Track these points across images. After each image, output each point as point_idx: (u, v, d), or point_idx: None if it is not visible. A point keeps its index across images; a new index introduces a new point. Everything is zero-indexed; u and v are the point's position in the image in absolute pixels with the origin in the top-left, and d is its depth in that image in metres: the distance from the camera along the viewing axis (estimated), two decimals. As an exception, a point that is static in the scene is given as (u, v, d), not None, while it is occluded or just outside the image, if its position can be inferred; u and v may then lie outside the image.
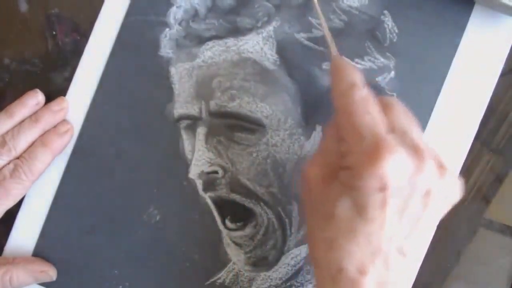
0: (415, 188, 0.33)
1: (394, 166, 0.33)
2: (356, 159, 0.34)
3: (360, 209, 0.33)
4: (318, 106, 0.44)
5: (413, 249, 0.35)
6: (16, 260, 0.43)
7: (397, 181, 0.33)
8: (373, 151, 0.33)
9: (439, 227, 0.42)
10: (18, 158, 0.43)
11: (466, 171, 0.43)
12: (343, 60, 0.38)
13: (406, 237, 0.34)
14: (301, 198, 0.38)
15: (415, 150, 0.34)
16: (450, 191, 0.35)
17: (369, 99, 0.35)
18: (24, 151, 0.43)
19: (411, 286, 0.38)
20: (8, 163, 0.43)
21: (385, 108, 0.36)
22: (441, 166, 0.34)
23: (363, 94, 0.35)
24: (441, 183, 0.34)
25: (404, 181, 0.33)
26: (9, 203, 0.43)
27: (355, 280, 0.33)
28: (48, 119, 0.44)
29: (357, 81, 0.36)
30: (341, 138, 0.36)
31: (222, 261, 0.44)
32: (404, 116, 0.36)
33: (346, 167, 0.34)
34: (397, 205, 0.33)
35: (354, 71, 0.36)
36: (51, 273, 0.44)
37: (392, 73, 0.43)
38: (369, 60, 0.43)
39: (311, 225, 0.37)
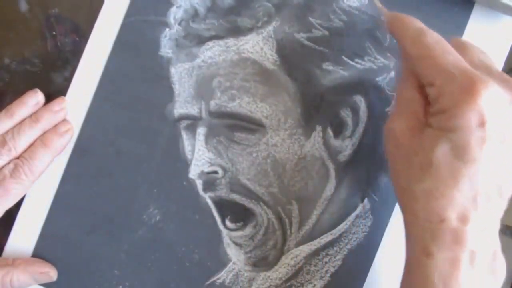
0: (510, 120, 0.33)
1: (492, 98, 0.32)
2: (450, 98, 0.33)
3: (460, 151, 0.33)
4: (318, 106, 0.44)
5: (509, 188, 0.34)
6: (16, 262, 0.43)
7: (496, 114, 0.33)
8: (468, 87, 0.33)
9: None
10: (18, 158, 0.43)
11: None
12: (397, 13, 0.38)
13: (503, 175, 0.34)
14: (386, 156, 0.37)
15: (506, 81, 0.34)
16: None
17: (443, 40, 0.35)
18: (24, 151, 0.43)
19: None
20: (8, 163, 0.43)
21: (459, 49, 0.36)
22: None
23: (435, 36, 0.35)
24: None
25: (501, 113, 0.33)
26: (9, 203, 0.43)
27: (458, 230, 0.33)
28: (48, 119, 0.44)
29: (423, 26, 0.36)
30: (428, 84, 0.35)
31: (222, 261, 0.44)
32: (481, 53, 0.36)
33: (440, 111, 0.34)
34: (496, 140, 0.33)
35: (415, 19, 0.36)
36: (51, 274, 0.44)
37: (392, 73, 0.43)
38: (369, 60, 0.43)
39: (406, 179, 0.36)
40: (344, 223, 0.44)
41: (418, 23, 0.36)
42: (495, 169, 0.33)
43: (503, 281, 0.35)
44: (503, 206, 0.35)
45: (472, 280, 0.34)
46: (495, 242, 0.35)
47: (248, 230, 0.44)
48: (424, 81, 0.36)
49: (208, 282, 0.44)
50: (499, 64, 0.43)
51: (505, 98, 0.33)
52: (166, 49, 0.44)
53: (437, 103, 0.34)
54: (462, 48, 0.36)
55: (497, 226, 0.35)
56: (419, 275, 0.35)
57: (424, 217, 0.35)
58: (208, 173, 0.44)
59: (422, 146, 0.35)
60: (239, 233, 0.44)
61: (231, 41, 0.44)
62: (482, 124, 0.32)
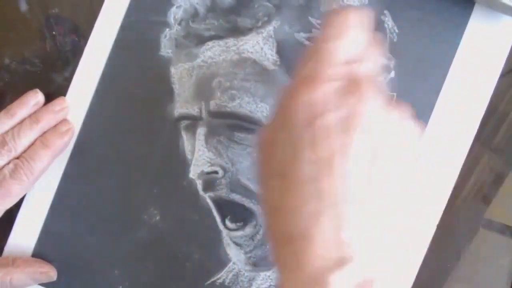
0: (351, 121, 0.29)
1: (323, 94, 0.29)
2: (288, 91, 0.31)
3: (295, 151, 0.29)
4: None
5: (374, 201, 0.29)
6: (16, 261, 0.43)
7: (326, 111, 0.29)
8: (304, 79, 0.30)
9: (439, 227, 0.42)
10: (18, 158, 0.43)
11: (466, 171, 0.43)
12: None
13: (363, 187, 0.29)
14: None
15: (353, 84, 0.30)
16: (402, 130, 0.30)
17: (343, 38, 0.31)
18: (24, 151, 0.43)
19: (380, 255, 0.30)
20: (8, 163, 0.43)
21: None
22: (389, 104, 0.30)
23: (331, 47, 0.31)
24: (385, 118, 0.30)
25: (334, 112, 0.29)
26: (9, 203, 0.43)
27: (301, 252, 0.28)
28: (48, 119, 0.44)
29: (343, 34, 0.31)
30: None
31: (222, 261, 0.44)
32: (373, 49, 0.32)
33: (282, 108, 0.31)
34: (334, 144, 0.28)
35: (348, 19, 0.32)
36: (51, 274, 0.44)
37: (392, 73, 0.43)
38: (369, 60, 0.43)
39: (262, 191, 0.32)
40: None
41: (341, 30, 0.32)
42: (341, 174, 0.28)
43: None
44: (372, 224, 0.29)
45: None
46: (365, 271, 0.28)
47: (248, 230, 0.44)
48: None
49: (208, 282, 0.44)
50: (499, 64, 0.43)
51: (339, 100, 0.29)
52: (166, 49, 0.44)
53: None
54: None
55: (370, 251, 0.29)
56: None
57: (272, 237, 0.31)
58: (208, 173, 0.44)
59: (271, 151, 0.31)
60: (239, 233, 0.44)
61: (231, 41, 0.44)
62: (312, 119, 0.29)
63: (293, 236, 0.28)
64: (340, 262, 0.28)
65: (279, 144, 0.30)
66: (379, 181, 0.29)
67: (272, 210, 0.31)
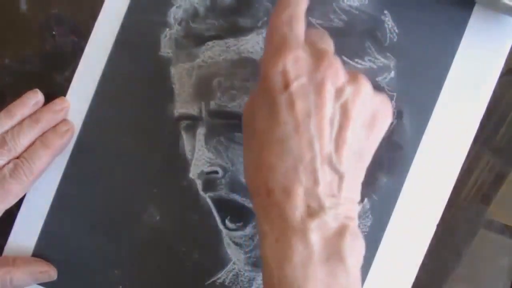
0: (321, 87, 0.33)
1: (294, 61, 0.33)
2: (264, 63, 0.34)
3: (272, 114, 0.33)
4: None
5: (345, 161, 0.33)
6: (16, 261, 0.43)
7: (298, 77, 0.33)
8: (276, 51, 0.34)
9: (439, 227, 0.42)
10: (18, 158, 0.43)
11: (466, 171, 0.43)
12: None
13: (334, 149, 0.33)
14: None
15: (319, 52, 0.34)
16: (367, 95, 0.34)
17: (296, 17, 0.35)
18: (24, 151, 0.43)
19: (353, 209, 0.34)
20: (8, 163, 0.43)
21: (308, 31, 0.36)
22: (353, 75, 0.34)
23: (291, 13, 0.35)
24: (353, 86, 0.34)
25: (305, 77, 0.33)
26: (9, 203, 0.43)
27: (282, 204, 0.32)
28: (48, 119, 0.44)
29: (294, 3, 0.36)
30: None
31: (222, 261, 0.44)
32: (320, 34, 0.37)
33: (261, 76, 0.34)
34: (306, 105, 0.32)
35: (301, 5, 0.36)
36: (51, 273, 0.44)
37: (392, 73, 0.43)
38: (369, 60, 0.43)
39: (244, 151, 0.36)
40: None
41: (298, 8, 0.36)
42: (314, 137, 0.32)
43: (359, 264, 0.33)
44: (351, 183, 0.33)
45: (309, 263, 0.32)
46: (340, 220, 0.33)
47: (248, 230, 0.44)
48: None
49: (208, 282, 0.44)
50: (499, 64, 0.43)
51: (309, 63, 0.33)
52: (166, 49, 0.44)
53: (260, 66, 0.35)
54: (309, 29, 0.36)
55: (343, 204, 0.33)
56: (261, 257, 0.33)
57: (254, 189, 0.34)
58: (208, 173, 0.44)
59: (252, 115, 0.35)
60: (239, 233, 0.44)
61: (231, 41, 0.44)
62: (286, 85, 0.33)
63: (273, 189, 0.32)
64: (317, 212, 0.32)
65: (259, 109, 0.34)
66: (347, 146, 0.33)
67: (253, 167, 0.34)
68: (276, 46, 0.34)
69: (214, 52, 0.44)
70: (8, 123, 0.43)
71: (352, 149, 0.33)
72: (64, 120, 0.45)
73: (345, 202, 0.33)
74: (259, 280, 0.44)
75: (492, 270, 0.45)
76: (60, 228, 0.45)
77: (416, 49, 0.43)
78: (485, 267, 0.45)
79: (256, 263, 0.44)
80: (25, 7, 0.46)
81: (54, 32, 0.46)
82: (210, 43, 0.44)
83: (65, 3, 0.46)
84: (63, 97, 0.45)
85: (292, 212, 0.32)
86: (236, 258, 0.44)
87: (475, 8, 0.42)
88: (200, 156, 0.44)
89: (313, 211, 0.32)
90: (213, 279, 0.44)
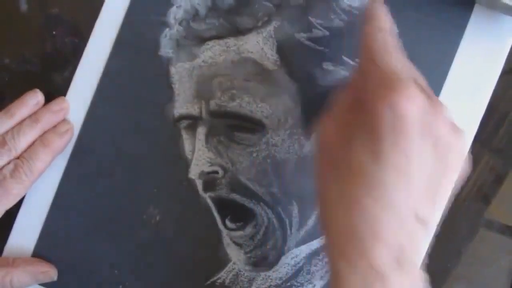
0: (432, 136, 0.30)
1: (410, 100, 0.30)
2: (371, 90, 0.31)
3: (374, 151, 0.30)
4: (318, 106, 0.43)
5: (432, 214, 0.31)
6: (16, 261, 0.43)
7: (412, 119, 0.30)
8: (389, 83, 0.31)
9: (439, 227, 0.42)
10: (18, 158, 0.43)
11: (466, 171, 0.43)
12: (377, 5, 0.36)
13: (428, 202, 0.31)
14: (314, 164, 0.34)
15: (431, 95, 0.31)
16: (461, 153, 0.32)
17: (393, 42, 0.34)
18: (24, 151, 0.43)
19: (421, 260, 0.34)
20: (8, 163, 0.43)
21: None
22: (454, 124, 0.32)
23: (385, 36, 0.34)
24: (455, 143, 0.31)
25: (418, 122, 0.30)
26: (9, 203, 0.43)
27: (367, 248, 0.30)
28: (48, 119, 0.44)
29: (384, 26, 0.34)
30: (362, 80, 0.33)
31: (222, 261, 0.44)
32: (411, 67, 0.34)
33: (359, 107, 0.32)
34: (414, 152, 0.30)
35: (385, 18, 0.35)
36: (51, 274, 0.44)
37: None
38: (369, 60, 0.43)
39: (328, 184, 0.33)
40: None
41: (383, 23, 0.35)
42: (413, 186, 0.30)
43: None
44: (429, 234, 0.32)
45: None
46: (415, 272, 0.32)
47: (248, 230, 0.44)
48: (361, 76, 0.34)
49: (208, 282, 0.44)
50: (499, 64, 0.43)
51: (424, 103, 0.31)
52: (166, 49, 0.44)
53: (361, 94, 0.32)
54: None
55: (419, 255, 0.33)
56: None
57: (332, 231, 0.32)
58: (208, 173, 0.44)
59: (342, 145, 0.32)
60: (239, 233, 0.44)
61: (231, 41, 0.44)
62: (397, 125, 0.30)
63: (361, 232, 0.30)
64: (401, 263, 0.30)
65: (355, 140, 0.31)
66: (437, 199, 0.32)
67: (336, 201, 0.32)
68: (386, 78, 0.31)
69: (214, 52, 0.44)
70: (8, 123, 0.43)
71: (441, 202, 0.32)
72: (64, 120, 0.45)
73: (421, 253, 0.33)
74: (259, 280, 0.44)
75: (492, 270, 0.45)
76: (60, 228, 0.45)
77: (416, 49, 0.43)
78: (485, 267, 0.45)
79: (256, 263, 0.44)
80: (25, 7, 0.46)
81: (54, 32, 0.46)
82: (210, 43, 0.44)
83: (65, 3, 0.46)
84: (63, 97, 0.45)
85: (376, 258, 0.30)
86: (236, 258, 0.44)
87: (475, 8, 0.42)
88: (200, 156, 0.44)
89: (398, 261, 0.30)
90: (213, 279, 0.44)
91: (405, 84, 0.30)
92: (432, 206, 0.31)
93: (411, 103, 0.30)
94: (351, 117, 0.33)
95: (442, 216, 0.43)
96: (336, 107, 0.35)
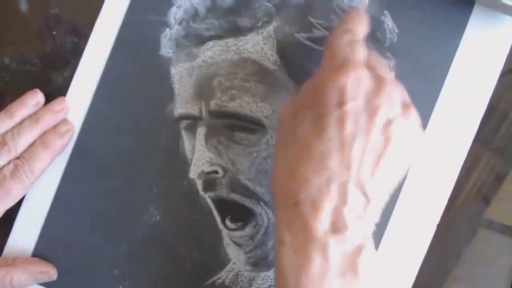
0: (374, 113, 0.33)
1: (355, 82, 0.33)
2: (321, 75, 0.35)
3: (318, 127, 0.33)
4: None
5: (375, 188, 0.34)
6: (16, 261, 0.43)
7: (355, 98, 0.33)
8: (338, 68, 0.34)
9: (439, 227, 0.42)
10: (18, 158, 0.43)
11: (466, 171, 0.43)
12: (357, 11, 0.40)
13: (369, 174, 0.33)
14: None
15: (379, 78, 0.34)
16: (412, 130, 0.35)
17: (358, 42, 0.36)
18: (24, 151, 0.43)
19: (371, 231, 0.35)
20: (8, 163, 0.43)
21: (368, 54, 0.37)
22: (405, 104, 0.35)
23: (352, 37, 0.36)
24: (403, 119, 0.34)
25: (361, 100, 0.33)
26: (9, 203, 0.43)
27: (308, 217, 0.33)
28: (48, 119, 0.44)
29: (355, 29, 0.37)
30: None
31: (222, 261, 0.44)
32: (379, 60, 0.38)
33: (314, 89, 0.35)
34: (354, 127, 0.33)
35: (359, 22, 0.38)
36: (51, 273, 0.44)
37: (392, 73, 0.43)
38: (369, 60, 0.43)
39: (277, 156, 0.36)
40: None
41: (353, 25, 0.38)
42: (355, 161, 0.33)
43: (373, 281, 0.34)
44: (374, 210, 0.34)
45: (325, 275, 0.32)
46: (359, 239, 0.33)
47: (248, 230, 0.44)
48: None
49: (208, 282, 0.44)
50: (499, 64, 0.43)
51: (369, 85, 0.34)
52: (166, 49, 0.44)
53: (314, 79, 0.36)
54: (369, 53, 0.37)
55: (364, 227, 0.34)
56: (277, 266, 0.34)
57: (281, 197, 0.35)
58: (208, 173, 0.44)
59: (293, 124, 0.35)
60: (239, 233, 0.44)
61: (231, 41, 0.44)
62: (340, 104, 0.33)
63: (302, 201, 0.33)
64: (340, 229, 0.33)
65: (304, 118, 0.34)
66: (380, 174, 0.34)
67: (284, 174, 0.35)
68: (338, 63, 0.34)
69: (214, 52, 0.44)
70: (8, 123, 0.43)
71: (385, 177, 0.34)
72: (64, 120, 0.45)
73: (367, 224, 0.34)
74: (259, 280, 0.44)
75: (492, 270, 0.45)
76: (60, 228, 0.45)
77: (416, 49, 0.43)
78: (485, 267, 0.45)
79: (256, 263, 0.44)
80: (25, 7, 0.46)
81: (54, 32, 0.46)
82: (210, 43, 0.44)
83: (65, 3, 0.46)
84: (63, 97, 0.45)
85: (316, 225, 0.32)
86: (236, 258, 0.44)
87: (475, 8, 0.42)
88: (200, 156, 0.44)
89: (337, 227, 0.33)
90: (213, 279, 0.44)
91: (352, 67, 0.34)
92: (375, 178, 0.34)
93: (354, 85, 0.33)
94: (306, 98, 0.36)
95: (442, 216, 0.43)
96: (300, 91, 0.37)
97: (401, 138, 0.34)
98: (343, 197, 0.33)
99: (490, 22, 0.42)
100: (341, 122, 0.33)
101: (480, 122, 0.43)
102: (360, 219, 0.33)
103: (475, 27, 0.42)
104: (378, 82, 0.34)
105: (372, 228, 0.35)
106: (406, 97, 0.36)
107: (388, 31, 0.43)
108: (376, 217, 0.35)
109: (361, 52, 0.36)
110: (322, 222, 0.32)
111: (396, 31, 0.43)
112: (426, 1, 0.43)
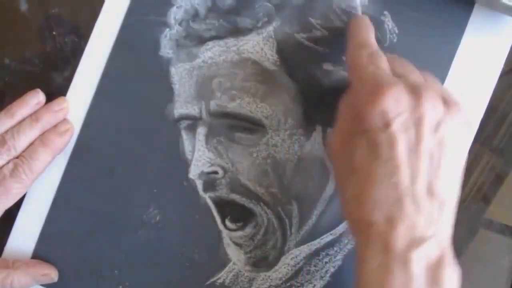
0: (420, 122, 0.34)
1: (394, 100, 0.34)
2: (361, 102, 0.35)
3: (373, 152, 0.34)
4: (318, 106, 0.44)
5: (444, 188, 0.34)
6: (16, 264, 0.43)
7: (399, 115, 0.34)
8: (374, 90, 0.34)
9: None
10: (17, 157, 0.43)
11: (466, 171, 0.43)
12: (359, 19, 0.40)
13: (434, 178, 0.34)
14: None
15: (413, 87, 0.35)
16: (461, 125, 0.35)
17: (376, 54, 0.37)
18: (24, 150, 0.43)
19: (450, 233, 0.35)
20: (8, 163, 0.43)
21: (389, 62, 0.37)
22: (447, 102, 0.35)
23: (370, 50, 0.37)
24: (448, 117, 0.35)
25: (406, 115, 0.34)
26: (9, 202, 0.43)
27: (386, 234, 0.33)
28: (48, 119, 0.44)
29: (368, 40, 0.38)
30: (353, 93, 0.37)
31: (222, 261, 0.44)
32: (403, 64, 0.38)
33: (356, 116, 0.35)
34: (406, 141, 0.34)
35: (367, 31, 0.39)
36: (52, 276, 0.44)
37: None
38: (370, 60, 0.43)
39: (341, 189, 0.37)
40: (344, 223, 0.44)
41: (366, 36, 0.38)
42: (416, 170, 0.34)
43: None
44: (447, 205, 0.34)
45: None
46: (440, 248, 0.34)
47: (248, 230, 0.44)
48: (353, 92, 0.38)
49: (208, 282, 0.45)
50: (499, 64, 0.43)
51: (408, 100, 0.34)
52: (166, 49, 0.44)
53: (354, 108, 0.36)
54: (390, 60, 0.38)
55: (443, 230, 0.34)
56: (358, 283, 0.34)
57: (356, 223, 0.35)
58: (208, 173, 0.44)
59: (347, 153, 0.36)
60: (239, 233, 0.44)
61: (231, 41, 0.44)
62: (387, 124, 0.34)
63: (377, 222, 0.33)
64: (420, 241, 0.33)
65: (356, 146, 0.35)
66: (445, 174, 0.34)
67: (353, 203, 0.35)
68: (370, 86, 0.35)
69: (214, 52, 0.44)
70: (8, 123, 0.43)
71: (449, 175, 0.35)
72: (64, 120, 0.45)
73: (444, 227, 0.34)
74: (259, 280, 0.44)
75: (492, 270, 0.45)
76: (60, 229, 0.45)
77: (416, 50, 0.43)
78: (485, 267, 0.45)
79: (256, 263, 0.44)
80: (25, 7, 0.46)
81: (54, 32, 0.46)
82: (210, 43, 0.44)
83: (65, 3, 0.46)
84: (63, 97, 0.45)
85: (395, 242, 0.33)
86: (236, 258, 0.44)
87: (475, 9, 0.42)
88: (200, 156, 0.44)
89: (416, 241, 0.33)
90: (213, 279, 0.45)
91: (387, 86, 0.34)
92: (441, 180, 0.34)
93: (395, 103, 0.34)
94: (351, 125, 0.36)
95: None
96: (339, 119, 0.38)
97: (453, 136, 0.35)
98: (417, 208, 0.33)
99: (490, 22, 0.42)
100: (393, 141, 0.34)
101: (480, 122, 0.43)
102: (437, 224, 0.34)
103: (475, 28, 0.42)
104: (415, 91, 0.34)
105: (449, 232, 0.35)
106: (445, 92, 0.36)
107: (388, 31, 0.43)
108: (451, 218, 0.35)
109: (385, 64, 0.37)
110: (400, 238, 0.33)
111: (396, 31, 0.43)
112: (426, 2, 0.43)
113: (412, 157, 0.34)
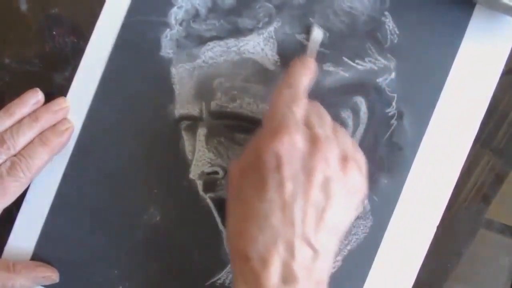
0: (310, 173, 0.34)
1: (289, 145, 0.35)
2: (261, 139, 0.36)
3: (259, 189, 0.35)
4: (318, 106, 0.43)
5: (322, 241, 0.35)
6: (17, 267, 0.43)
7: (290, 161, 0.34)
8: (274, 130, 0.35)
9: (439, 227, 0.43)
10: (15, 155, 0.43)
11: (466, 171, 0.43)
12: (302, 60, 0.40)
13: (314, 229, 0.34)
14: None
15: (314, 138, 0.35)
16: (351, 185, 0.36)
17: (296, 96, 0.37)
18: (22, 149, 0.43)
19: (326, 281, 0.36)
20: (5, 161, 0.43)
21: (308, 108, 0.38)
22: (346, 160, 0.36)
23: (293, 91, 0.38)
24: (340, 175, 0.35)
25: (298, 162, 0.35)
26: (7, 201, 0.43)
27: (259, 272, 0.34)
28: (47, 119, 0.44)
29: (296, 82, 0.38)
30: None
31: (222, 261, 0.44)
32: (320, 114, 0.38)
33: (256, 150, 0.36)
34: (293, 188, 0.34)
35: (301, 73, 0.39)
36: (54, 277, 0.44)
37: (393, 74, 0.43)
38: (370, 61, 0.43)
39: (227, 218, 0.38)
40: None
41: (297, 80, 0.38)
42: (298, 218, 0.34)
43: None
44: (324, 261, 0.35)
45: None
46: (314, 286, 0.35)
47: (248, 230, 0.44)
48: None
49: (208, 282, 0.45)
50: (499, 64, 0.43)
51: (303, 148, 0.35)
52: (166, 49, 0.44)
53: (257, 143, 0.37)
54: (310, 106, 0.38)
55: (318, 272, 0.35)
56: None
57: (235, 255, 0.36)
58: (209, 173, 0.44)
59: (240, 184, 0.37)
60: (239, 233, 0.44)
61: (232, 42, 0.44)
62: (278, 167, 0.34)
63: (252, 258, 0.34)
64: (290, 281, 0.34)
65: (248, 180, 0.36)
66: (325, 228, 0.35)
67: (234, 232, 0.37)
68: (274, 126, 0.36)
69: (214, 52, 0.44)
70: (7, 122, 0.43)
71: (331, 229, 0.36)
72: (63, 120, 0.45)
73: (318, 272, 0.35)
74: (259, 280, 0.44)
75: (492, 270, 0.45)
76: (60, 228, 0.45)
77: (417, 50, 0.43)
78: (485, 267, 0.45)
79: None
80: (25, 7, 0.46)
81: (54, 32, 0.46)
82: (210, 43, 0.44)
83: (65, 3, 0.46)
84: (63, 97, 0.45)
85: (267, 280, 0.34)
86: (236, 258, 0.44)
87: (476, 9, 0.42)
88: (200, 156, 0.44)
89: (287, 280, 0.34)
90: (213, 280, 0.45)
91: (287, 131, 0.35)
92: (320, 232, 0.35)
93: (289, 148, 0.35)
94: (250, 159, 0.37)
95: (442, 216, 0.43)
96: (245, 148, 0.38)
97: (341, 193, 0.35)
98: (290, 252, 0.34)
99: (491, 22, 0.42)
100: (280, 184, 0.34)
101: (481, 122, 0.43)
102: (310, 270, 0.34)
103: (476, 28, 0.42)
104: (313, 143, 0.35)
105: (326, 277, 0.36)
106: (349, 151, 0.37)
107: (388, 32, 0.43)
108: (327, 264, 0.36)
109: (299, 110, 0.37)
110: (272, 276, 0.34)
111: (397, 32, 0.43)
112: (427, 2, 0.43)
113: (296, 204, 0.34)
